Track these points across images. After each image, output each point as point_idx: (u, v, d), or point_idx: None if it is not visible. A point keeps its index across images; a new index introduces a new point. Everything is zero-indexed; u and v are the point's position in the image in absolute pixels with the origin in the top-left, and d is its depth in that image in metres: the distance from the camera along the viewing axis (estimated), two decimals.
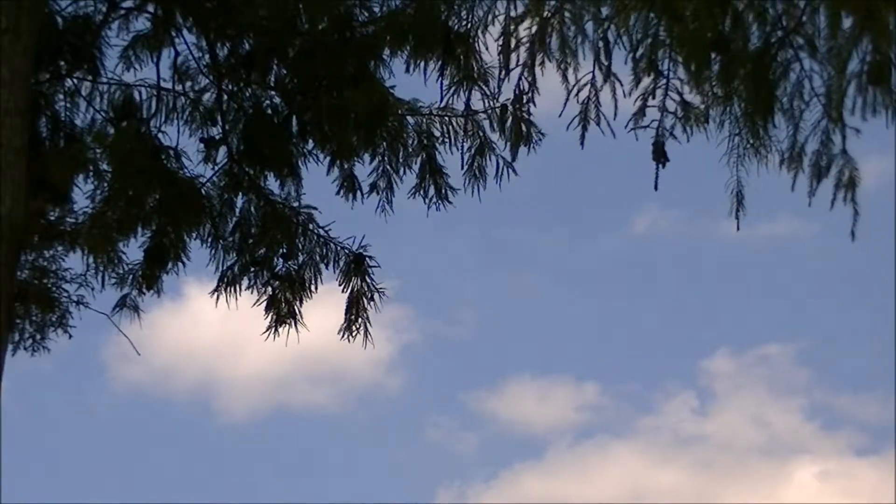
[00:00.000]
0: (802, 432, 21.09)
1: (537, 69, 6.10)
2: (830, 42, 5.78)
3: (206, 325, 18.65)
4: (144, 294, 8.78)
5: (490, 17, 6.16)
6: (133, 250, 8.62)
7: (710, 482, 20.37)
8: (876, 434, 20.10)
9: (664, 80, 6.10)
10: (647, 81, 6.10)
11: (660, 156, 6.32)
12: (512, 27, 6.04)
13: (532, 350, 21.79)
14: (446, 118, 8.44)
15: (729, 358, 21.62)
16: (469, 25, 6.80)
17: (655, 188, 6.29)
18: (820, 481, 20.23)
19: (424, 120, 8.49)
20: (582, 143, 6.32)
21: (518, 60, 6.10)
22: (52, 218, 8.70)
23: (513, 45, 6.02)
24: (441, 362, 21.85)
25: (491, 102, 7.88)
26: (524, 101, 6.38)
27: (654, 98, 6.20)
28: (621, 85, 6.12)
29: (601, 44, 5.93)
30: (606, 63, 6.02)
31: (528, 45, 6.02)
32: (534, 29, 5.99)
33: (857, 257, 18.92)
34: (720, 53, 5.87)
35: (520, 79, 6.17)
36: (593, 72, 6.11)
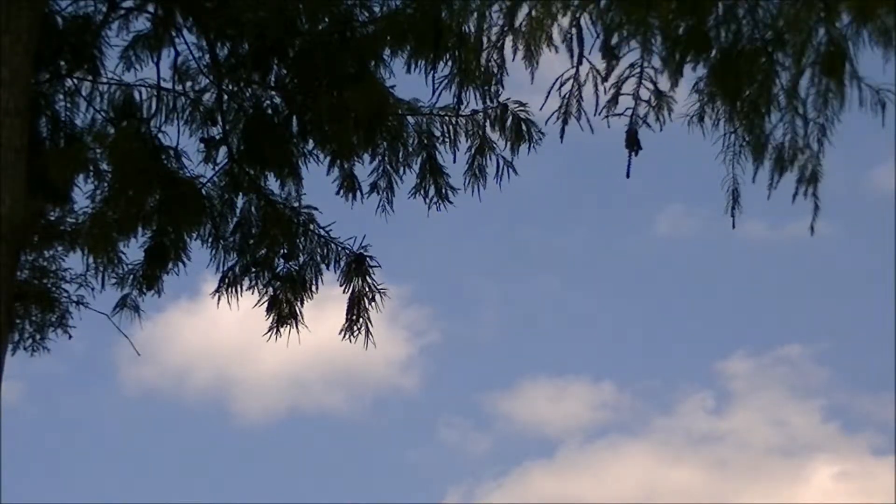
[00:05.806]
0: (821, 433, 21.04)
1: (507, 50, 6.14)
2: (796, 36, 5.84)
3: (223, 326, 18.55)
4: (145, 294, 8.79)
5: (478, 10, 6.17)
6: (133, 250, 8.64)
7: (728, 482, 20.32)
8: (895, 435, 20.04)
9: (638, 69, 6.15)
10: (619, 70, 6.16)
11: (633, 144, 6.39)
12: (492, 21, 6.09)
13: (550, 350, 21.76)
14: (446, 118, 8.45)
15: (748, 358, 21.56)
16: (461, 20, 6.83)
17: (627, 175, 6.41)
18: (838, 482, 20.20)
19: (424, 120, 8.50)
20: (561, 138, 6.39)
21: (491, 42, 6.15)
22: (52, 218, 8.71)
23: (492, 37, 6.06)
24: (458, 363, 21.82)
25: (489, 102, 7.90)
26: (493, 82, 6.43)
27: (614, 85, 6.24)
28: (601, 76, 6.17)
29: (573, 31, 5.97)
30: (578, 50, 6.07)
31: (498, 27, 6.06)
32: (504, 11, 6.04)
33: (876, 258, 18.84)
34: (700, 51, 5.92)
35: (488, 60, 6.22)
36: (577, 67, 6.15)
